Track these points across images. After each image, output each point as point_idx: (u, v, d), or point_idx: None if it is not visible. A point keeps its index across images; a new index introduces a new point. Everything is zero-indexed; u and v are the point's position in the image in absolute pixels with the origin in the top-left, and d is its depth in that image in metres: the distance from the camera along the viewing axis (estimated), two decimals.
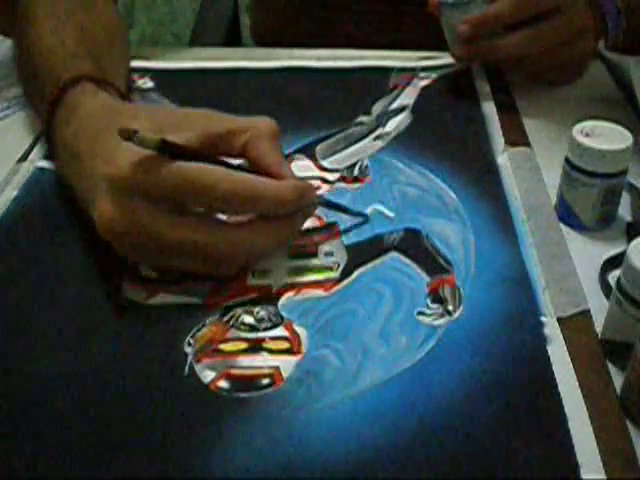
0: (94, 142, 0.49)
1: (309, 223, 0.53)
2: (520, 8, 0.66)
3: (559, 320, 0.46)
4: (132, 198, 0.45)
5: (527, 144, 0.63)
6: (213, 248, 0.46)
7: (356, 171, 0.60)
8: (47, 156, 0.61)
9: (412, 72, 0.74)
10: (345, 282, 0.49)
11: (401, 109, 0.68)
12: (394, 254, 0.52)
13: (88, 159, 0.48)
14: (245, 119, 0.50)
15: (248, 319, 0.47)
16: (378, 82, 0.72)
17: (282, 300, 0.48)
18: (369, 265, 0.51)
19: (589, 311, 0.47)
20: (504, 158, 0.61)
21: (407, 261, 0.51)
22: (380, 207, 0.56)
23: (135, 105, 0.63)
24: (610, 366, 0.44)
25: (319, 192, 0.57)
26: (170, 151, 0.45)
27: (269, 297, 0.48)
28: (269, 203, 0.46)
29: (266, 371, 0.44)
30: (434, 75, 0.73)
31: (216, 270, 0.48)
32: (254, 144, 0.49)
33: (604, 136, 0.52)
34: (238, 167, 0.48)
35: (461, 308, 0.47)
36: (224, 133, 0.49)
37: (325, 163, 0.61)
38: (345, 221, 0.54)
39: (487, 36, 0.67)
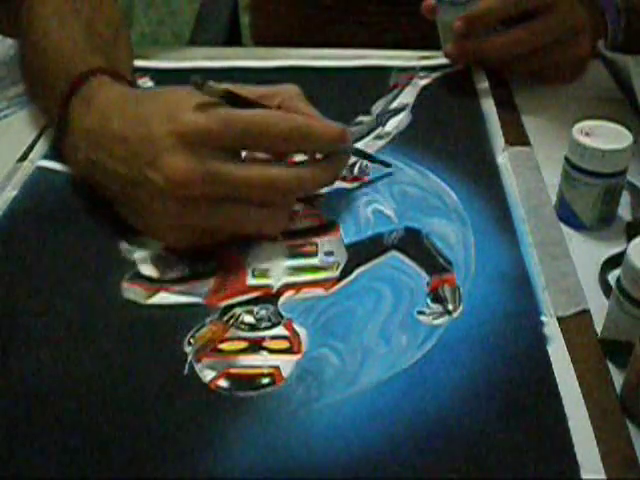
0: (134, 112, 0.51)
1: (309, 223, 0.53)
2: (510, 4, 0.66)
3: (559, 320, 0.46)
4: (203, 148, 0.48)
5: (527, 143, 0.63)
6: (282, 182, 0.49)
7: (356, 170, 0.60)
8: (48, 155, 0.61)
9: (412, 71, 0.74)
10: (345, 281, 0.49)
11: (401, 108, 0.68)
12: (394, 253, 0.52)
13: (139, 126, 0.50)
14: (270, 86, 0.54)
15: (248, 318, 0.47)
16: (378, 82, 0.72)
17: (282, 299, 0.48)
18: (369, 264, 0.51)
19: (589, 311, 0.47)
20: (504, 157, 0.61)
21: (407, 260, 0.51)
22: (380, 206, 0.56)
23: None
24: (610, 366, 0.44)
25: (321, 191, 0.57)
26: (232, 102, 0.49)
27: (269, 297, 0.48)
28: (325, 139, 0.51)
29: (266, 370, 0.44)
30: (434, 75, 0.73)
31: (272, 218, 0.51)
32: (289, 103, 0.53)
33: (604, 136, 0.52)
34: None
35: (461, 307, 0.47)
36: (258, 97, 0.52)
37: None
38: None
39: (482, 35, 0.68)
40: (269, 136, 0.49)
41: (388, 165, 0.59)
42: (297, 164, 0.53)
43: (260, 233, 0.52)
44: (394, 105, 0.68)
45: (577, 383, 0.43)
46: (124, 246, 0.51)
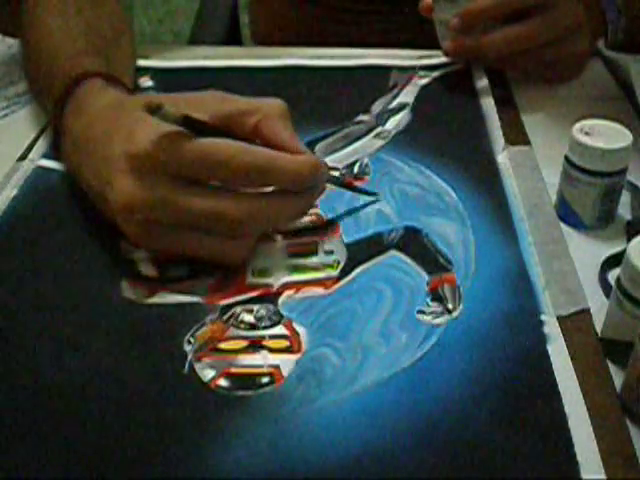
0: (111, 127, 0.49)
1: (309, 222, 0.53)
2: (507, 0, 0.66)
3: (559, 319, 0.46)
4: (152, 173, 0.45)
5: (527, 143, 0.63)
6: (232, 215, 0.46)
7: (356, 169, 0.60)
8: (47, 154, 0.61)
9: (412, 71, 0.74)
10: (345, 280, 0.49)
11: (401, 108, 0.68)
12: (394, 253, 0.52)
13: (104, 143, 0.49)
14: (255, 100, 0.51)
15: (248, 318, 0.47)
16: (378, 81, 0.72)
17: (282, 298, 0.48)
18: (369, 263, 0.51)
19: (589, 310, 0.47)
20: (504, 157, 0.61)
21: (407, 260, 0.51)
22: (380, 206, 0.56)
23: (145, 95, 0.64)
24: (610, 365, 0.44)
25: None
26: (191, 127, 0.45)
27: (269, 296, 0.48)
28: (287, 176, 0.47)
29: (266, 370, 0.44)
30: (434, 74, 0.73)
31: (229, 248, 0.48)
32: (266, 123, 0.49)
33: (604, 135, 0.52)
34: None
35: (461, 307, 0.47)
36: (236, 114, 0.49)
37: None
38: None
39: (479, 32, 0.68)
40: (222, 169, 0.45)
41: (372, 194, 0.56)
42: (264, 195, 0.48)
43: (219, 262, 0.49)
44: (394, 104, 0.68)
45: (577, 383, 0.43)
46: (124, 246, 0.51)
